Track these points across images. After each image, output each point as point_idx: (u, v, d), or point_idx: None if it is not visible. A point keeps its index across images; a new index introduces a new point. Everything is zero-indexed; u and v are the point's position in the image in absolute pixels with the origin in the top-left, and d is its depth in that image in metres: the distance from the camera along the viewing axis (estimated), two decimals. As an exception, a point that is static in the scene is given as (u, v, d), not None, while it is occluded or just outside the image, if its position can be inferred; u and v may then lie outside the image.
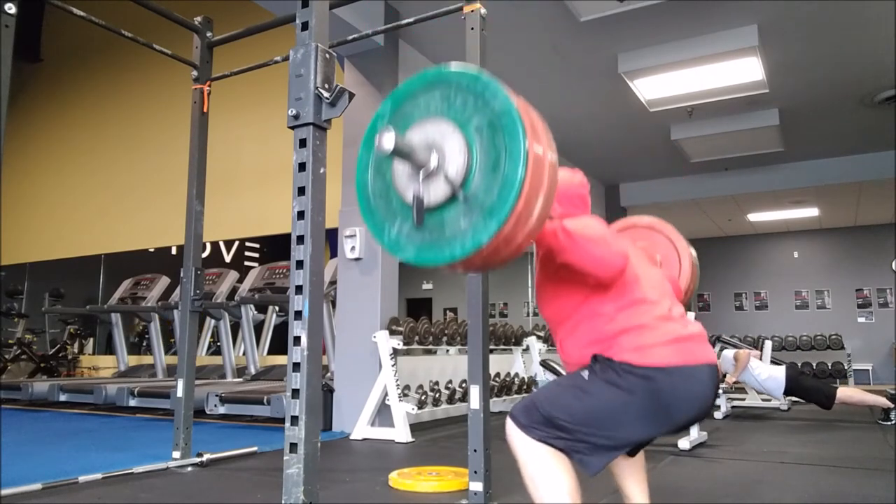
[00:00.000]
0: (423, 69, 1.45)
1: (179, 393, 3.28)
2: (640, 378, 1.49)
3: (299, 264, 1.64)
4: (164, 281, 7.14)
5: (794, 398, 6.40)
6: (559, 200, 1.71)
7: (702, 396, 1.54)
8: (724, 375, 5.87)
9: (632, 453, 1.78)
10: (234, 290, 6.64)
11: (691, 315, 1.66)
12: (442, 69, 1.41)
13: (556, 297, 1.68)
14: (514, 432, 1.59)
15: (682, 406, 1.52)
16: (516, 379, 5.83)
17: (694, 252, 2.25)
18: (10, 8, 2.39)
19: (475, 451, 2.47)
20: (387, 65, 4.81)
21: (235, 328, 6.83)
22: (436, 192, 1.33)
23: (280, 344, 7.15)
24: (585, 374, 1.57)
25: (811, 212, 10.30)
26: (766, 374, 5.44)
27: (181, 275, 3.40)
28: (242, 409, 4.87)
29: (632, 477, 1.81)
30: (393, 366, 4.37)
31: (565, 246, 1.50)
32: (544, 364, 6.25)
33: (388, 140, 1.27)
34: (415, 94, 1.43)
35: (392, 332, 4.48)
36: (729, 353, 5.72)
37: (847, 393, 5.11)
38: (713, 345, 6.18)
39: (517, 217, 1.24)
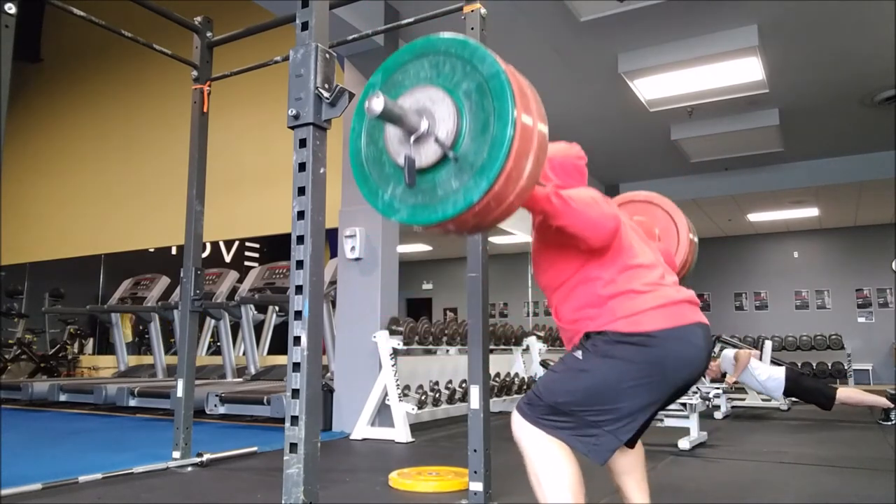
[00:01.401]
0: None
1: (179, 393, 3.28)
2: (633, 345, 1.53)
3: (299, 264, 1.64)
4: (164, 281, 7.14)
5: (794, 399, 6.42)
6: (556, 171, 1.74)
7: (695, 357, 1.57)
8: (724, 375, 5.88)
9: (631, 443, 1.78)
10: (234, 290, 6.64)
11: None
12: (431, 38, 1.43)
13: (553, 264, 1.71)
14: (520, 425, 1.60)
15: (676, 367, 1.55)
16: (516, 379, 5.83)
17: (692, 226, 2.25)
18: (10, 8, 2.39)
19: (475, 451, 2.47)
20: (387, 65, 4.80)
21: (235, 328, 6.83)
22: (427, 154, 1.36)
23: (280, 344, 7.15)
24: (579, 353, 1.60)
25: (811, 212, 10.31)
26: (766, 375, 5.44)
27: (181, 275, 3.40)
28: (242, 409, 4.87)
29: (632, 476, 1.80)
30: (393, 366, 4.37)
31: (558, 209, 1.52)
32: (544, 364, 6.25)
33: (377, 103, 1.30)
34: (404, 63, 1.46)
35: (392, 332, 4.48)
36: (729, 352, 5.73)
37: (847, 393, 5.12)
38: (712, 345, 6.17)
39: (507, 175, 1.27)
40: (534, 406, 1.59)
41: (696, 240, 2.26)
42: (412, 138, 1.37)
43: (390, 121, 1.37)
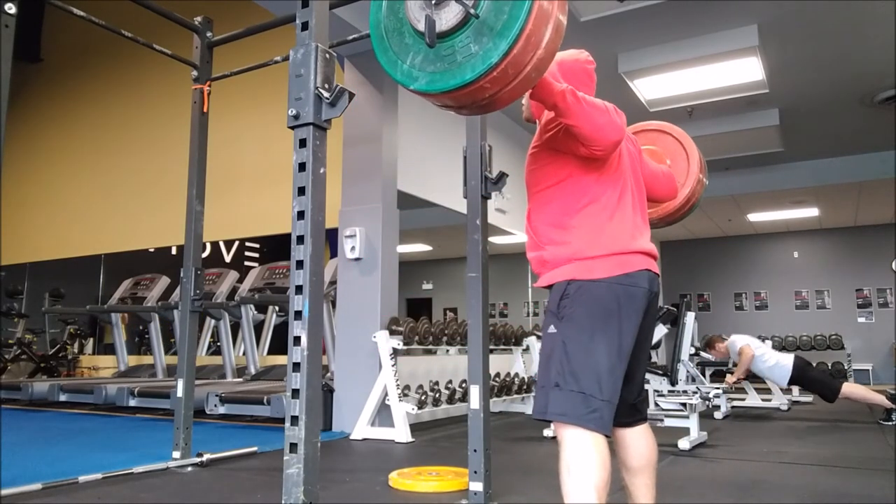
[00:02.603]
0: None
1: (179, 393, 3.28)
2: (584, 290, 1.63)
3: (299, 264, 1.64)
4: (164, 281, 7.14)
5: (794, 399, 6.43)
6: (566, 75, 1.76)
7: (640, 296, 1.67)
8: (732, 365, 5.87)
9: (638, 419, 1.79)
10: (234, 290, 6.63)
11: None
12: None
13: (544, 164, 1.77)
14: (558, 426, 1.61)
15: (627, 308, 1.64)
16: (516, 379, 5.83)
17: (704, 163, 2.23)
18: (10, 8, 2.39)
19: (475, 451, 2.47)
20: (387, 65, 4.80)
21: (235, 328, 6.83)
22: (447, 17, 1.37)
23: (280, 344, 7.15)
24: (552, 328, 1.66)
25: (811, 212, 10.30)
26: (774, 361, 5.43)
27: (181, 275, 3.40)
28: (242, 409, 4.87)
29: (642, 478, 1.78)
30: (393, 366, 4.37)
31: (571, 107, 1.55)
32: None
33: None
34: None
35: (392, 332, 4.48)
36: (737, 339, 5.71)
37: (851, 389, 5.12)
38: (706, 347, 6.17)
39: (526, 38, 1.28)
40: (548, 399, 1.60)
41: (705, 180, 2.24)
42: (433, 2, 1.38)
43: None
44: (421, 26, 1.40)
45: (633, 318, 1.65)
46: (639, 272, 1.67)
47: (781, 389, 6.28)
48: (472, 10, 1.33)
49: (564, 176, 1.72)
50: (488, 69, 1.31)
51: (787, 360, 5.37)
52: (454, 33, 1.37)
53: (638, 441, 1.79)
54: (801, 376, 5.30)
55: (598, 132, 1.57)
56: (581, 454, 1.55)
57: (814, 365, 5.54)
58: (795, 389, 7.33)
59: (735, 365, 5.77)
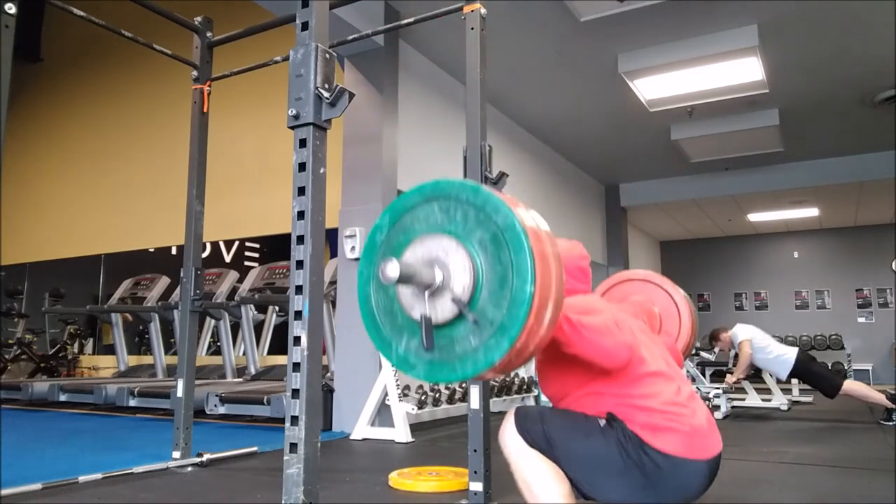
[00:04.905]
0: (419, 183, 1.39)
1: (179, 393, 3.28)
2: (648, 458, 1.51)
3: (299, 264, 1.64)
4: (164, 281, 7.14)
5: (794, 399, 6.43)
6: None
7: (695, 488, 1.57)
8: (727, 371, 5.86)
9: None
10: (234, 290, 6.63)
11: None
12: (439, 182, 1.37)
13: (559, 377, 1.69)
14: (510, 433, 1.60)
15: (673, 492, 1.54)
16: (516, 379, 5.83)
17: (693, 308, 2.25)
18: (10, 8, 2.39)
19: (475, 451, 2.47)
20: (387, 65, 4.80)
21: (235, 328, 6.83)
22: (443, 310, 1.30)
23: (280, 344, 7.15)
24: (602, 422, 1.58)
25: (811, 212, 10.31)
26: (776, 353, 5.41)
27: (181, 275, 3.40)
28: (242, 409, 4.87)
29: None
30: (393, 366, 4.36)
31: (571, 338, 1.49)
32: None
33: (391, 270, 1.24)
34: (413, 207, 1.40)
35: (392, 332, 4.47)
36: (739, 331, 5.65)
37: (852, 386, 5.11)
38: (710, 340, 6.16)
39: (528, 331, 1.23)
40: (534, 424, 1.60)
41: (696, 317, 2.28)
42: (427, 293, 1.30)
43: (405, 283, 1.30)
44: (415, 315, 1.32)
45: (673, 498, 1.55)
46: (708, 461, 1.57)
47: (781, 389, 6.29)
48: (469, 315, 1.26)
49: (587, 380, 1.62)
50: (490, 366, 1.24)
51: (791, 353, 5.35)
52: (451, 323, 1.30)
53: None
54: (804, 370, 5.28)
55: (605, 356, 1.52)
56: (537, 468, 1.56)
57: (816, 359, 5.51)
58: (795, 389, 7.34)
59: (737, 357, 5.75)
